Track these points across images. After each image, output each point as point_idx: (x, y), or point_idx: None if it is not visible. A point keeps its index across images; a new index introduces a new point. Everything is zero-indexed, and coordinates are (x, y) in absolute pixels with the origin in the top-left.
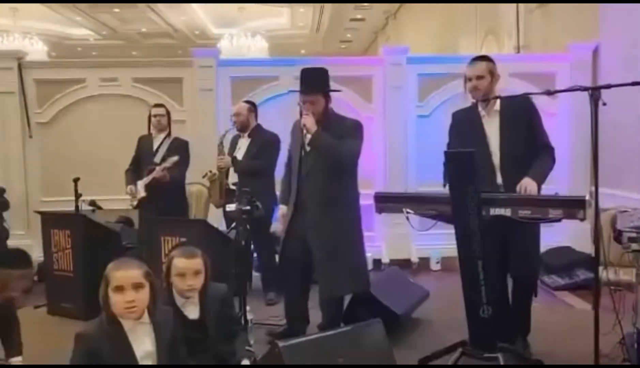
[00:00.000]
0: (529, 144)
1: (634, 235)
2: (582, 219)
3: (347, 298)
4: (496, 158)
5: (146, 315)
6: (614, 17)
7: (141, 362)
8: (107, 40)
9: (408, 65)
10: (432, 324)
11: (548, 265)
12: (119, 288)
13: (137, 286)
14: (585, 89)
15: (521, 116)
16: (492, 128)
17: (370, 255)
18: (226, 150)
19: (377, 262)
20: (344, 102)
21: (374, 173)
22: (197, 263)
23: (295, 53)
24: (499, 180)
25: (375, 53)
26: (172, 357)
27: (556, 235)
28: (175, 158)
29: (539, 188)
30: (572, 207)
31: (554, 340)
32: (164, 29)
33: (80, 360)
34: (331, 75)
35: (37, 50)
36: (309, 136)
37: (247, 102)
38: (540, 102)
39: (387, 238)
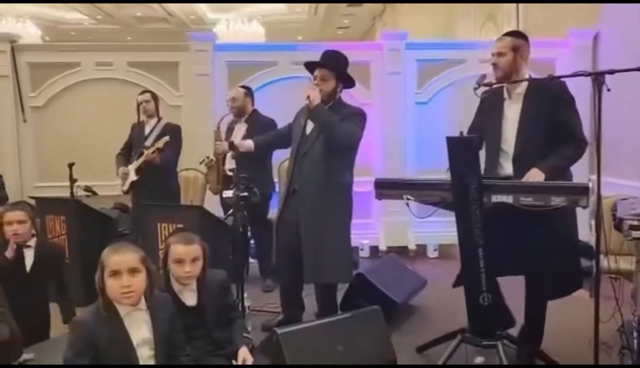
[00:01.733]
0: (551, 134)
1: (635, 222)
2: (585, 207)
3: (345, 286)
4: (508, 146)
5: (143, 301)
6: (615, 3)
7: (138, 349)
8: (101, 25)
9: (407, 50)
10: (430, 312)
11: None
12: (115, 273)
13: (134, 271)
14: (588, 74)
15: (547, 103)
16: (511, 112)
17: (367, 242)
18: (223, 135)
19: (375, 250)
20: (345, 89)
21: (372, 160)
22: (195, 250)
23: (292, 39)
24: (508, 169)
25: (373, 39)
26: (169, 344)
27: None
28: (166, 138)
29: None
30: (575, 194)
31: (553, 328)
32: (160, 14)
33: (76, 347)
34: None
35: (30, 34)
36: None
37: (243, 87)
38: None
39: (384, 226)
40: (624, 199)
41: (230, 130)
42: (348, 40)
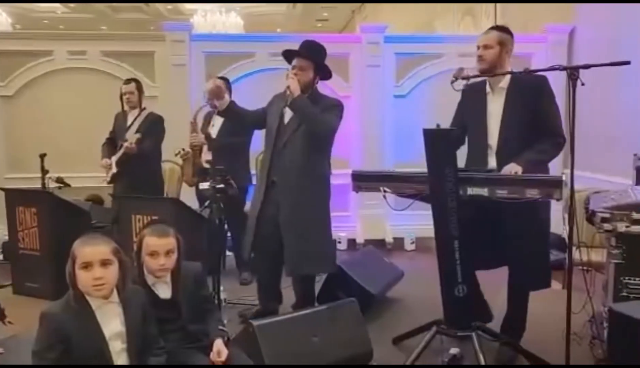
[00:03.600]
0: (533, 128)
1: (607, 215)
2: (559, 199)
3: (322, 278)
4: (492, 139)
5: (115, 294)
6: (590, 3)
7: (110, 342)
8: (75, 14)
9: (386, 43)
10: (406, 304)
11: None
12: (86, 265)
13: (105, 263)
14: (564, 68)
15: (530, 97)
16: (495, 106)
17: (345, 235)
18: (199, 127)
19: (352, 242)
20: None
21: (350, 152)
22: (170, 242)
23: (270, 31)
24: (493, 163)
25: (353, 32)
26: (143, 337)
27: None
28: (137, 135)
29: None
30: (549, 186)
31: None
32: (135, 4)
33: (46, 340)
34: None
35: (0, 22)
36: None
37: (221, 78)
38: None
39: (362, 219)
40: (596, 192)
41: (207, 122)
42: (327, 33)
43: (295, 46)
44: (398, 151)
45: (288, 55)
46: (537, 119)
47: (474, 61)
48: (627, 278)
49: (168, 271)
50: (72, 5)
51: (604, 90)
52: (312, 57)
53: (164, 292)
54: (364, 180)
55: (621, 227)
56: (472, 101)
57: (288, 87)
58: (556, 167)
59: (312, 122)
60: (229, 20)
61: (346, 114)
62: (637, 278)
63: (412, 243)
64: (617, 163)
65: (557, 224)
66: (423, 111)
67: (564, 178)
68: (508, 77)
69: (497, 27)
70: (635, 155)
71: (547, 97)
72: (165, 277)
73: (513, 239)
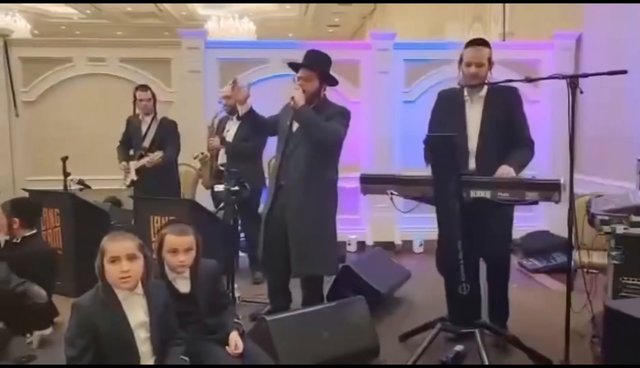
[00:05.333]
0: (508, 134)
1: (606, 218)
2: (557, 201)
3: (332, 278)
4: (472, 143)
5: (140, 286)
6: (598, 7)
7: (135, 331)
8: (91, 19)
9: (395, 50)
10: (413, 303)
11: (527, 249)
12: (114, 259)
13: (132, 257)
14: (563, 77)
15: (505, 106)
16: (473, 113)
17: (354, 237)
18: (215, 131)
19: (362, 245)
20: (330, 86)
21: (359, 157)
22: (189, 240)
23: (282, 36)
24: (472, 165)
25: (363, 38)
26: (164, 327)
27: (535, 220)
28: (159, 154)
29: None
30: (548, 189)
31: (529, 318)
32: (150, 9)
33: (77, 329)
34: None
35: (20, 27)
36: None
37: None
38: (523, 89)
39: (371, 221)
40: (598, 196)
41: (221, 126)
42: (338, 38)
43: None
44: (406, 155)
45: (294, 66)
46: (512, 125)
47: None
48: (625, 278)
49: (187, 267)
50: (88, 10)
51: (610, 96)
52: (316, 67)
53: (183, 286)
54: (371, 183)
55: (620, 229)
56: (450, 108)
57: (292, 98)
58: (562, 171)
59: (316, 132)
60: (242, 25)
61: (356, 118)
62: (636, 279)
63: (421, 245)
64: (624, 167)
65: (563, 228)
66: None
67: (562, 181)
68: (485, 86)
69: (484, 42)
70: (638, 160)
71: (519, 105)
72: (184, 272)
73: (489, 233)
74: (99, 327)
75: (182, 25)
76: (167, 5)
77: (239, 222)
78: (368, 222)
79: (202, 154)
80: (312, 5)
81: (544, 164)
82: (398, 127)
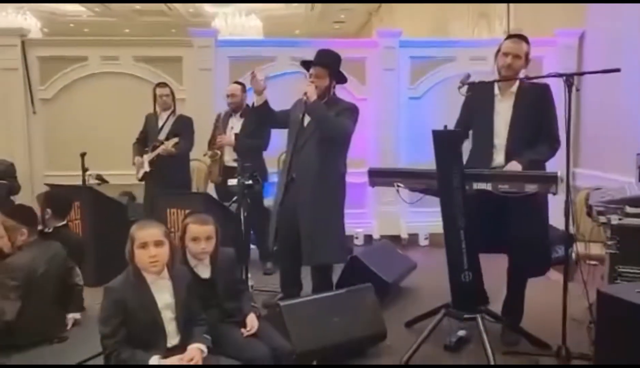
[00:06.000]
0: (537, 131)
1: (602, 209)
2: (555, 193)
3: (341, 268)
4: (499, 139)
5: (165, 271)
6: (601, 5)
7: (162, 311)
8: (100, 17)
9: (401, 48)
10: (419, 292)
11: None
12: (143, 245)
13: (159, 243)
14: (560, 75)
15: (536, 103)
16: (503, 109)
17: (362, 230)
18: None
19: (369, 238)
20: (339, 84)
21: (366, 152)
22: (209, 229)
23: (289, 33)
24: (499, 160)
25: (369, 35)
26: (188, 309)
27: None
28: (175, 139)
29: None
30: (545, 182)
31: (530, 306)
32: (159, 7)
33: (110, 309)
34: None
35: (30, 25)
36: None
37: (240, 82)
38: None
39: (378, 215)
40: (597, 189)
41: (224, 123)
42: (344, 34)
43: (314, 51)
44: (412, 151)
45: (306, 64)
46: (541, 122)
47: (484, 64)
48: (621, 267)
49: (208, 254)
50: (96, 9)
51: (611, 92)
52: (327, 65)
53: (204, 272)
54: (379, 176)
55: (615, 219)
56: (480, 102)
57: (305, 94)
58: (565, 164)
59: (327, 126)
60: (249, 23)
61: (363, 115)
62: (630, 267)
63: (426, 239)
64: (624, 162)
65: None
66: (436, 112)
67: (559, 174)
68: (517, 82)
69: (524, 38)
70: (638, 154)
71: (550, 104)
72: (205, 259)
73: (514, 227)
74: (129, 307)
75: (189, 22)
76: (175, 3)
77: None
78: (375, 216)
79: (213, 151)
80: (319, 2)
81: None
82: (404, 124)
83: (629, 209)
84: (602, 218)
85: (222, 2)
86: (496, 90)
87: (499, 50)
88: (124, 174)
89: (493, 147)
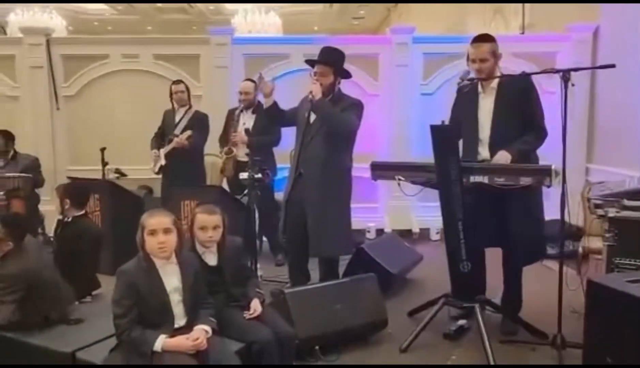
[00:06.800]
0: (521, 123)
1: (600, 202)
2: (549, 186)
3: (347, 260)
4: (483, 133)
5: (174, 257)
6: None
7: (170, 294)
8: (123, 15)
9: (414, 44)
10: (425, 284)
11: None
12: (153, 232)
13: (167, 231)
14: (556, 71)
15: (517, 95)
16: (485, 104)
17: (373, 225)
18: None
19: (380, 232)
20: (350, 80)
21: (378, 148)
22: (217, 219)
23: (308, 29)
24: (484, 154)
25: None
26: (195, 293)
27: (553, 208)
28: (188, 132)
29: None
30: (540, 175)
31: (531, 298)
32: (180, 5)
33: (123, 291)
34: None
35: (56, 24)
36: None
37: (252, 80)
38: (540, 81)
39: (389, 210)
40: (599, 183)
41: (236, 119)
42: (363, 30)
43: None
44: (424, 146)
45: (310, 62)
46: (524, 115)
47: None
48: (618, 259)
49: (215, 242)
50: (119, 7)
51: (625, 88)
52: (331, 63)
53: (211, 260)
54: (381, 170)
55: (612, 212)
56: (466, 100)
57: (310, 92)
58: (579, 160)
59: (333, 122)
60: (268, 20)
61: (375, 110)
62: (628, 259)
63: (437, 233)
64: (636, 157)
65: (580, 216)
66: (448, 108)
67: (553, 167)
68: (497, 78)
69: (486, 38)
70: None
71: (531, 95)
72: (212, 247)
73: (510, 219)
74: (140, 290)
75: (210, 20)
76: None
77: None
78: (386, 210)
79: (229, 148)
80: None
81: (561, 151)
82: (416, 119)
83: (626, 202)
84: (600, 211)
85: (241, 2)
86: (480, 88)
87: (468, 55)
88: (142, 168)
89: (479, 142)
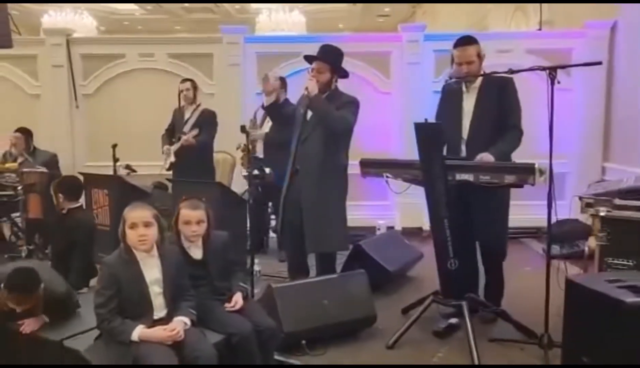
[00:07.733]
0: (499, 122)
1: (591, 201)
2: (533, 184)
3: (344, 257)
4: (465, 131)
5: (155, 250)
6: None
7: (150, 286)
8: (152, 15)
9: (425, 42)
10: (423, 281)
11: (553, 235)
12: (133, 225)
13: (147, 224)
14: (543, 68)
15: (497, 95)
16: (468, 103)
17: (384, 222)
18: (258, 123)
19: (391, 230)
20: (362, 78)
21: (390, 146)
22: (200, 214)
23: (332, 27)
24: (464, 152)
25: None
26: (176, 285)
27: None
28: (194, 131)
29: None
30: (523, 173)
31: (529, 297)
32: (206, 4)
33: (104, 281)
34: (351, 51)
35: (86, 24)
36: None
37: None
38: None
39: (400, 208)
40: (598, 182)
41: (263, 117)
42: (388, 28)
43: (341, 45)
44: None
45: (308, 58)
46: (502, 113)
47: (510, 56)
48: (610, 259)
49: (199, 237)
50: (148, 7)
51: None
52: (328, 60)
53: (196, 254)
54: (369, 167)
55: (603, 211)
56: (450, 99)
57: (306, 88)
58: (595, 159)
59: (329, 120)
60: (292, 18)
61: (387, 108)
62: (620, 259)
63: None
64: None
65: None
66: None
67: (536, 165)
68: (480, 78)
69: (469, 41)
70: None
71: (511, 94)
72: (197, 241)
73: (479, 220)
74: (121, 281)
75: (235, 19)
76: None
77: (270, 205)
78: (397, 208)
79: (244, 145)
80: None
81: (577, 152)
82: (428, 116)
83: (618, 201)
84: (591, 210)
85: (265, 2)
86: (464, 88)
87: (452, 57)
88: (157, 164)
89: (461, 140)
